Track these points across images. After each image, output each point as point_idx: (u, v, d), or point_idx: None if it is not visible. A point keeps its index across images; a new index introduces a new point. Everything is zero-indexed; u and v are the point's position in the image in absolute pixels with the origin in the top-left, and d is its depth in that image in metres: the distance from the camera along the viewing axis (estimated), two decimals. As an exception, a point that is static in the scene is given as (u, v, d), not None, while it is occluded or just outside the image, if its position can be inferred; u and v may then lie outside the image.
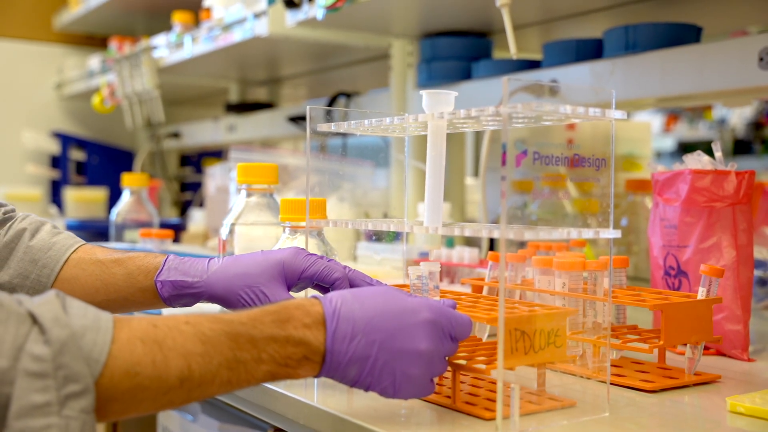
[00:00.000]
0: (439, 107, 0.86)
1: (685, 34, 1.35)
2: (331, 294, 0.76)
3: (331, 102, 2.10)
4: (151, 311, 1.26)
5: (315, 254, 0.94)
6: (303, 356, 0.71)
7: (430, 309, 0.75)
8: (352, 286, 0.93)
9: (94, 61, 2.92)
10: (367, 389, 0.74)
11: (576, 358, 0.91)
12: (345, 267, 0.93)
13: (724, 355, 1.06)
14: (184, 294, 0.95)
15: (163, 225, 2.18)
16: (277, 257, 0.92)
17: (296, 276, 0.92)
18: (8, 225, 1.01)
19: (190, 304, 0.97)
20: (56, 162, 3.25)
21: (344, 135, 1.72)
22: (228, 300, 0.92)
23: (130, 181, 1.89)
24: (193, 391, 0.67)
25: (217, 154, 3.20)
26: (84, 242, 1.02)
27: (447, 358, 0.77)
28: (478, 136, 2.14)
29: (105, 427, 1.54)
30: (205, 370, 0.67)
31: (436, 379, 0.83)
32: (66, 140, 3.21)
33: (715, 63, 1.23)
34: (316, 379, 0.92)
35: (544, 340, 0.77)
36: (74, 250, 1.00)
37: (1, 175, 3.16)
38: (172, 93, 2.99)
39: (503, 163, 0.70)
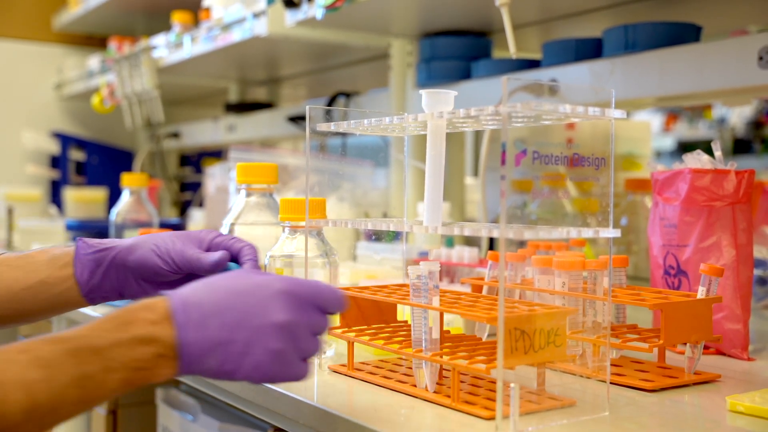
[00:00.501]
0: (439, 107, 0.86)
1: (685, 34, 1.35)
2: (180, 287, 0.73)
3: (331, 102, 2.10)
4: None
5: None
6: (156, 354, 0.67)
7: (284, 280, 0.72)
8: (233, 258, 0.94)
9: (94, 61, 2.92)
10: (232, 378, 0.70)
11: (576, 357, 0.91)
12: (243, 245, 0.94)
13: (723, 354, 1.06)
14: (101, 258, 0.94)
15: (163, 225, 2.17)
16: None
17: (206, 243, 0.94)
18: None
19: (112, 298, 0.96)
20: (56, 162, 3.25)
21: (344, 135, 1.72)
22: (143, 258, 0.92)
23: (129, 181, 1.89)
24: (45, 418, 0.64)
25: (217, 154, 3.20)
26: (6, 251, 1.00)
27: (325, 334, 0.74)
28: (478, 135, 2.14)
29: (105, 427, 1.54)
30: (50, 395, 0.64)
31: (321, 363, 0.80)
32: (66, 140, 3.20)
33: (715, 62, 1.23)
34: (316, 379, 0.93)
35: (543, 340, 0.77)
36: None
37: (1, 176, 3.16)
38: (172, 93, 2.99)
39: (503, 162, 0.70)
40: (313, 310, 0.72)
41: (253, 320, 0.70)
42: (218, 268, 0.92)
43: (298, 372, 0.72)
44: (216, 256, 0.92)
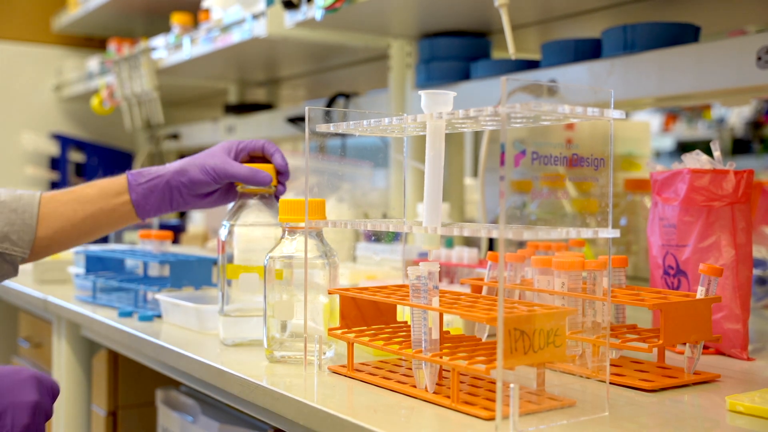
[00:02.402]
0: (438, 107, 0.86)
1: (684, 34, 1.35)
2: None
3: (330, 103, 2.10)
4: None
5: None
6: None
7: (30, 369, 0.92)
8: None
9: (93, 62, 2.92)
10: None
11: (575, 357, 0.91)
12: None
13: (723, 354, 1.06)
14: (154, 185, 1.17)
15: (163, 226, 2.18)
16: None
17: (237, 151, 1.18)
18: None
19: (162, 212, 1.19)
20: (55, 164, 3.25)
21: (343, 135, 1.72)
22: (194, 177, 1.17)
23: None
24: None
25: (217, 155, 3.19)
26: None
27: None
28: (477, 136, 2.14)
29: (105, 429, 1.54)
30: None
31: None
32: (65, 142, 3.21)
33: (714, 62, 1.23)
34: (316, 379, 0.93)
35: (543, 340, 0.77)
36: (41, 194, 1.18)
37: (1, 177, 3.16)
38: (171, 94, 2.99)
39: (502, 163, 0.70)
40: (49, 396, 0.92)
41: (9, 398, 0.88)
42: (249, 179, 1.14)
43: None
44: (245, 169, 1.14)
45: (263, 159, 1.21)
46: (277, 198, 1.19)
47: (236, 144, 1.19)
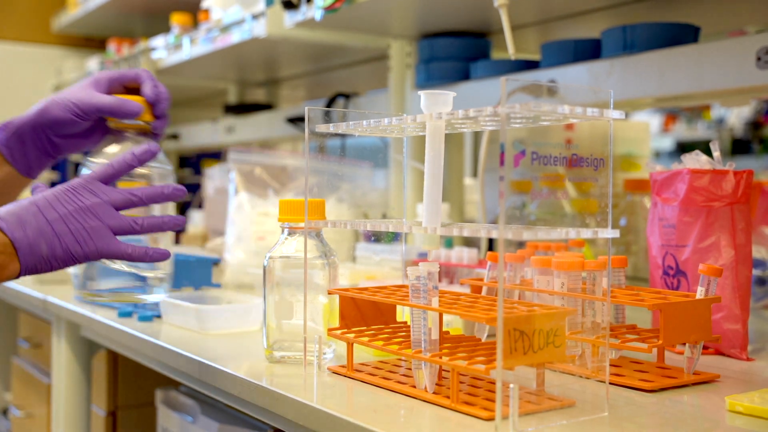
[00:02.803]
0: (438, 108, 0.87)
1: (683, 34, 1.35)
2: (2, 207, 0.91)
3: (330, 103, 2.10)
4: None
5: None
6: (1, 254, 0.87)
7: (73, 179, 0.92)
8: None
9: (93, 62, 2.92)
10: (69, 260, 0.89)
11: (575, 357, 0.91)
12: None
13: (723, 354, 1.06)
14: (21, 134, 1.06)
15: (162, 226, 2.17)
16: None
17: (109, 82, 1.09)
18: None
19: (48, 164, 1.11)
20: (55, 164, 3.24)
21: (343, 136, 1.72)
22: (56, 117, 1.06)
23: (128, 182, 1.89)
24: None
25: (216, 155, 3.20)
26: None
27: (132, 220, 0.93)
28: (477, 136, 2.14)
29: (104, 429, 1.54)
30: None
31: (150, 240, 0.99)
32: (65, 142, 3.20)
33: (713, 63, 1.23)
34: (315, 380, 0.93)
35: (543, 340, 0.77)
36: None
37: (0, 177, 3.17)
38: (171, 94, 2.98)
39: (501, 163, 0.70)
40: (107, 190, 0.93)
41: (59, 209, 0.90)
42: (116, 110, 1.06)
43: (117, 247, 0.92)
44: (110, 100, 1.06)
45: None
46: (155, 134, 1.11)
47: (107, 74, 1.08)
